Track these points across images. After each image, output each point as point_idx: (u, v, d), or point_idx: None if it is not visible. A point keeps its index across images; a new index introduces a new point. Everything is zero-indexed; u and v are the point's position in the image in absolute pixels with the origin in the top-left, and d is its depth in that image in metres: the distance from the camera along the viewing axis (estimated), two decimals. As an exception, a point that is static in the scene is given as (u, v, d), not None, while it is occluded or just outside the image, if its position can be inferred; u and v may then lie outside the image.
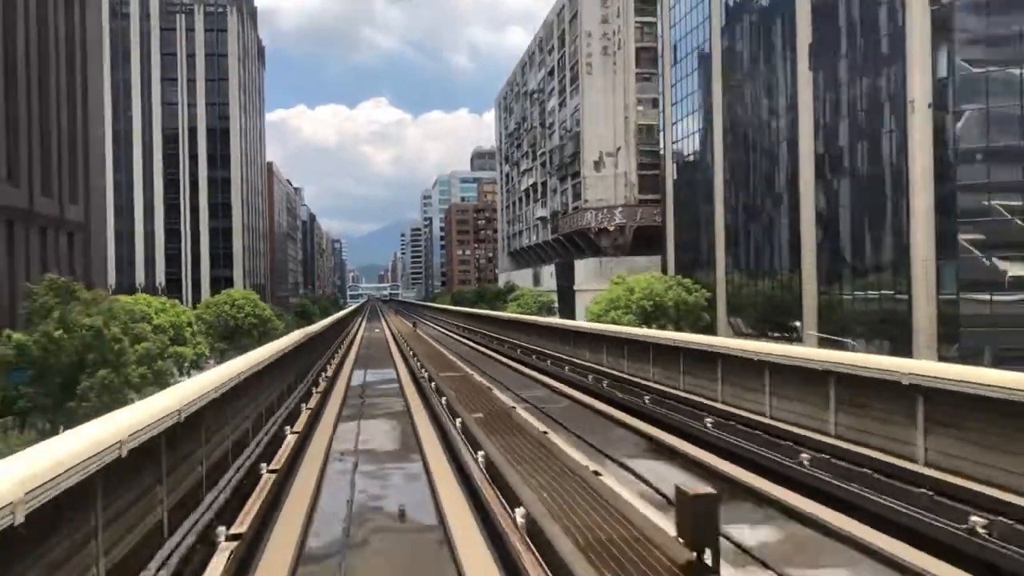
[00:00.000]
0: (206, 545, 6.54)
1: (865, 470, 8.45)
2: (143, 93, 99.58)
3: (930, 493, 7.43)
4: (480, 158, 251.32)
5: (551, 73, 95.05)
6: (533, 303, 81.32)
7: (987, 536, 6.55)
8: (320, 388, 18.88)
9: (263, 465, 9.41)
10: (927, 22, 35.93)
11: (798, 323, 43.52)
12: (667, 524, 6.77)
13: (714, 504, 5.96)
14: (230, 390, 8.75)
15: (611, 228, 77.57)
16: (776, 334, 43.84)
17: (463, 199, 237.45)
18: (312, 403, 15.75)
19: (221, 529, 6.77)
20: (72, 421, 24.04)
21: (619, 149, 77.63)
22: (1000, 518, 6.58)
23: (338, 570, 7.37)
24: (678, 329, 43.45)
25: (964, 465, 7.60)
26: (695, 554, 5.84)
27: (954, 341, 33.99)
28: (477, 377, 20.93)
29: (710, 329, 47.39)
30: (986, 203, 33.56)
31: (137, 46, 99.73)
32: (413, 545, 8.27)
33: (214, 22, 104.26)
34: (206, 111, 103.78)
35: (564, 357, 23.53)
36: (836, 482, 8.57)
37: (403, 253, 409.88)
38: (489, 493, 8.36)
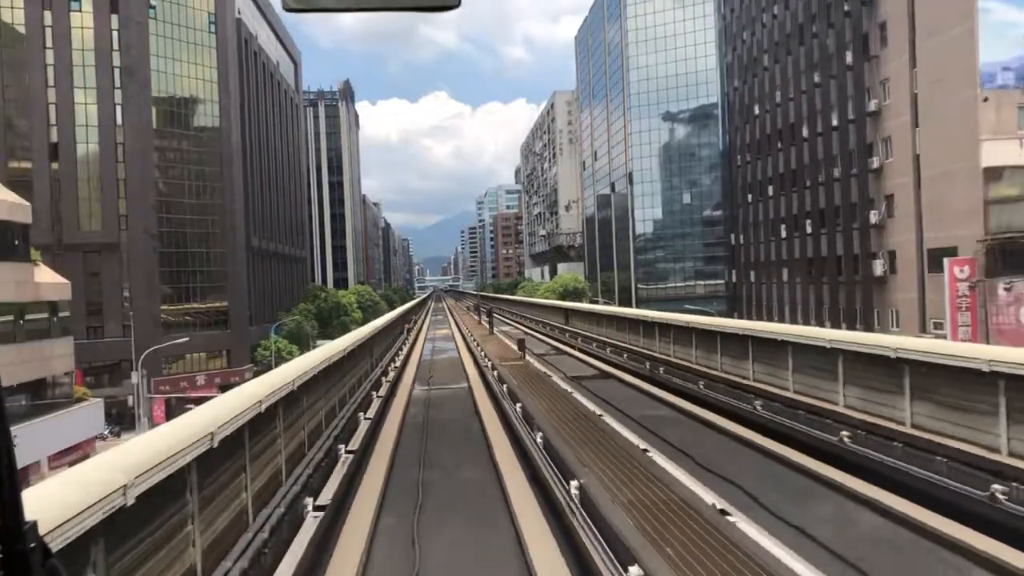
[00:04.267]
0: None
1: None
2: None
3: None
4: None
5: (544, 145, 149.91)
6: (538, 289, 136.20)
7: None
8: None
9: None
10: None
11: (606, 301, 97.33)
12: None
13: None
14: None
15: (575, 245, 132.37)
16: (605, 300, 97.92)
17: (508, 207, 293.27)
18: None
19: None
20: (325, 338, 78.93)
21: (576, 200, 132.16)
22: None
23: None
24: (574, 299, 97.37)
25: None
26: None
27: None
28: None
29: (582, 298, 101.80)
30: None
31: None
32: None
33: (332, 111, 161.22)
34: (327, 166, 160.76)
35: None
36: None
37: (462, 248, 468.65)
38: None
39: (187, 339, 58.17)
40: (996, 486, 7.44)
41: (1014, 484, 7.35)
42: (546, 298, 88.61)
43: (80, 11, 61.52)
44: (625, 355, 22.29)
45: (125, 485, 4.06)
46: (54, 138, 60.45)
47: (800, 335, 12.28)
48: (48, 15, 60.66)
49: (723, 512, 7.54)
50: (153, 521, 4.72)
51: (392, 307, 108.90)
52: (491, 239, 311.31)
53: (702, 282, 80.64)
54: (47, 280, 35.54)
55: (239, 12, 75.32)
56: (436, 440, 13.35)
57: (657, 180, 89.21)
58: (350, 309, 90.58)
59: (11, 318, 31.96)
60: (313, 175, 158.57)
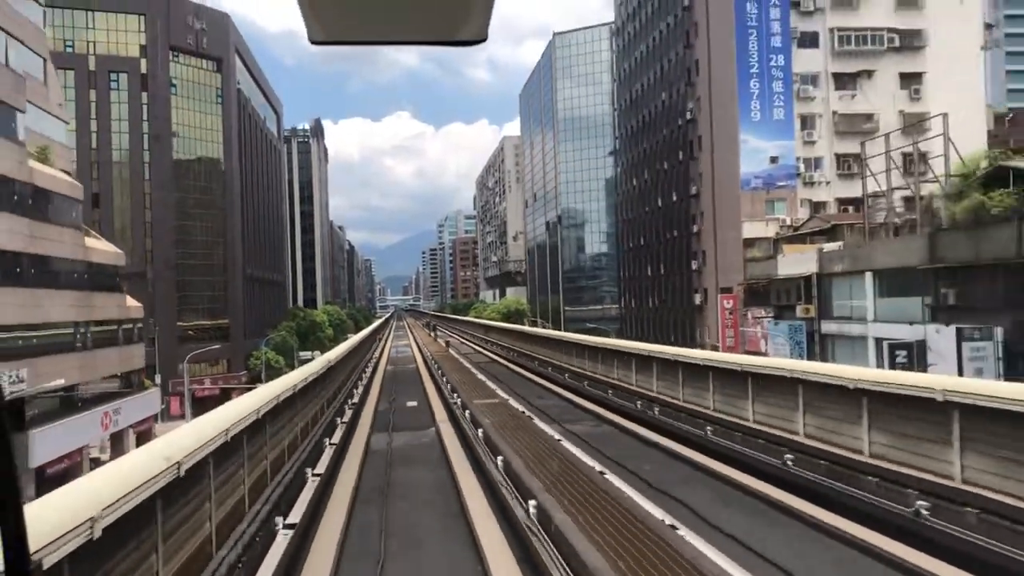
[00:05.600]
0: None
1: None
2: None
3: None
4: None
5: (496, 182, 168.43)
6: (485, 309, 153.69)
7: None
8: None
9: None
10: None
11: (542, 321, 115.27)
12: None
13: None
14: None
15: (521, 272, 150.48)
16: (543, 321, 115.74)
17: (466, 231, 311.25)
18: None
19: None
20: (305, 351, 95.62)
21: (522, 232, 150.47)
22: None
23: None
24: (516, 323, 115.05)
25: None
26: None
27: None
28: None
29: (522, 321, 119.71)
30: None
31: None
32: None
33: (304, 147, 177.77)
34: (299, 195, 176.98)
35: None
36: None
37: (424, 269, 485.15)
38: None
39: (219, 346, 74.57)
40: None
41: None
42: (492, 318, 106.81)
43: (118, 89, 78.01)
44: (513, 352, 40.22)
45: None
46: (95, 190, 76.54)
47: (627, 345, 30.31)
48: (93, 93, 77.05)
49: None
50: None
51: (357, 325, 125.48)
52: (450, 261, 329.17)
53: (612, 306, 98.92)
54: (131, 304, 52.31)
55: (239, 83, 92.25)
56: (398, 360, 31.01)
57: (581, 222, 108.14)
58: (324, 327, 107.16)
59: (116, 329, 48.71)
60: (286, 204, 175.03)
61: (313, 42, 1.61)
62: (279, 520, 10.44)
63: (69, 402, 41.56)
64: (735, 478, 13.64)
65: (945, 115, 32.50)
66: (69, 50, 76.31)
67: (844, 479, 11.77)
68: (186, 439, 7.04)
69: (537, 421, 20.23)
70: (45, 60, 43.87)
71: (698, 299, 56.39)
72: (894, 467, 11.05)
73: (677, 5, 58.99)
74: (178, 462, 6.13)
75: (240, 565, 7.95)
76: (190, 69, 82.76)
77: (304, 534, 10.81)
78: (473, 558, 10.28)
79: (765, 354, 41.17)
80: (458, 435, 19.60)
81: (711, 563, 8.59)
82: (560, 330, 77.21)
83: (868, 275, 35.38)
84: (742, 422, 15.74)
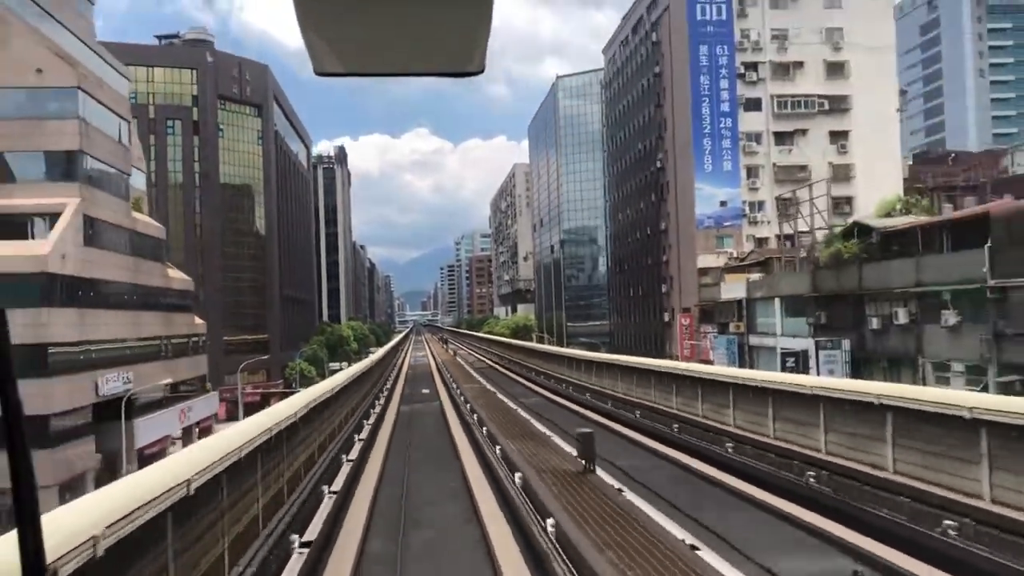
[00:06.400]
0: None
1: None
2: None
3: None
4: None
5: (508, 205, 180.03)
6: (496, 325, 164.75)
7: None
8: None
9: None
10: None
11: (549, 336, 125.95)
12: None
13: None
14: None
15: (530, 290, 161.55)
16: (547, 335, 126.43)
17: (482, 249, 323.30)
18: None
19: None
20: (333, 362, 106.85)
21: (531, 253, 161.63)
22: None
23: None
24: (523, 338, 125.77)
25: None
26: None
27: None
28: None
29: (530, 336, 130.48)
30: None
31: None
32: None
33: (329, 173, 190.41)
34: (324, 218, 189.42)
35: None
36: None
37: (442, 284, 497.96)
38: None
39: (267, 357, 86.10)
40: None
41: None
42: (502, 333, 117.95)
43: (173, 134, 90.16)
44: (504, 359, 51.30)
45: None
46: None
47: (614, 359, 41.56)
48: (152, 137, 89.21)
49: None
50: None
51: (378, 340, 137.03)
52: (467, 278, 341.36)
53: (607, 323, 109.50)
54: (197, 322, 63.85)
55: (276, 125, 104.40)
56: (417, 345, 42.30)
57: (584, 245, 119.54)
58: (349, 340, 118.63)
59: (187, 342, 60.20)
60: (313, 227, 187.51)
61: (319, 74, 1.73)
62: (342, 458, 21.59)
63: (157, 400, 52.86)
64: (660, 450, 24.58)
65: (814, 184, 43.29)
66: (132, 101, 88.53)
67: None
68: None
69: (500, 396, 31.33)
70: (130, 124, 55.56)
71: (667, 317, 67.07)
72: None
73: (650, 71, 70.11)
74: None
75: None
76: (235, 115, 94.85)
77: (368, 450, 21.92)
78: (452, 452, 21.31)
79: (711, 362, 51.82)
80: (452, 405, 30.80)
81: (621, 496, 19.52)
82: (563, 345, 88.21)
83: (777, 300, 46.05)
84: (654, 403, 26.68)
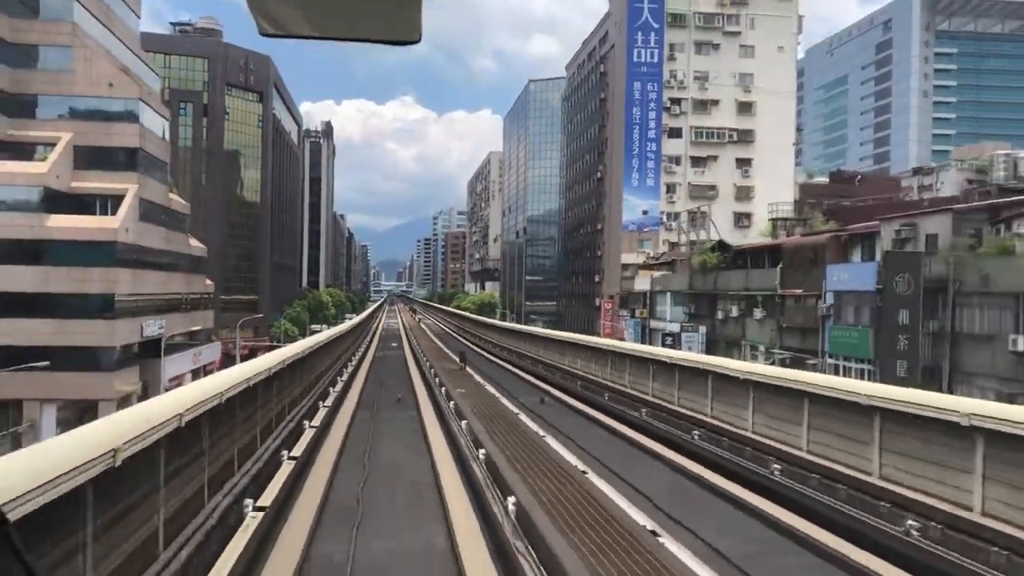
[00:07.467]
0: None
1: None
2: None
3: None
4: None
5: (483, 189, 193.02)
6: (464, 300, 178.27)
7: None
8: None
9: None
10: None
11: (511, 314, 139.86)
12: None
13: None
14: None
15: (498, 269, 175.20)
16: (508, 312, 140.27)
17: (458, 226, 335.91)
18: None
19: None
20: (315, 323, 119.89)
21: (500, 235, 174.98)
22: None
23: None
24: (487, 314, 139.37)
25: None
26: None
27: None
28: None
29: (493, 314, 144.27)
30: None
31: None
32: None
33: (316, 147, 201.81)
34: (308, 189, 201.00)
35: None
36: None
37: (418, 257, 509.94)
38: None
39: (262, 315, 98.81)
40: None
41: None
42: (468, 308, 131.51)
43: (185, 115, 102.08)
44: (458, 328, 64.96)
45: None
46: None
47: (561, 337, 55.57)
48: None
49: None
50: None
51: (354, 307, 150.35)
52: (442, 252, 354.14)
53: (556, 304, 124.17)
54: (208, 282, 76.89)
55: (274, 109, 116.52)
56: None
57: (544, 233, 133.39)
58: (328, 306, 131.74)
59: (200, 298, 73.25)
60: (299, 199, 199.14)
61: (263, 35, 1.79)
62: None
63: (176, 344, 65.90)
64: (601, 418, 38.58)
65: (714, 203, 57.30)
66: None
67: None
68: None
69: (444, 348, 45.18)
70: (168, 121, 68.04)
71: (598, 302, 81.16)
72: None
73: (597, 95, 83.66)
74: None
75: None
76: (239, 100, 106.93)
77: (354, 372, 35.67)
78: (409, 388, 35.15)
79: (623, 339, 65.85)
80: (411, 354, 44.58)
81: (584, 473, 33.49)
82: (520, 321, 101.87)
83: (668, 294, 60.10)
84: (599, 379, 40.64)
